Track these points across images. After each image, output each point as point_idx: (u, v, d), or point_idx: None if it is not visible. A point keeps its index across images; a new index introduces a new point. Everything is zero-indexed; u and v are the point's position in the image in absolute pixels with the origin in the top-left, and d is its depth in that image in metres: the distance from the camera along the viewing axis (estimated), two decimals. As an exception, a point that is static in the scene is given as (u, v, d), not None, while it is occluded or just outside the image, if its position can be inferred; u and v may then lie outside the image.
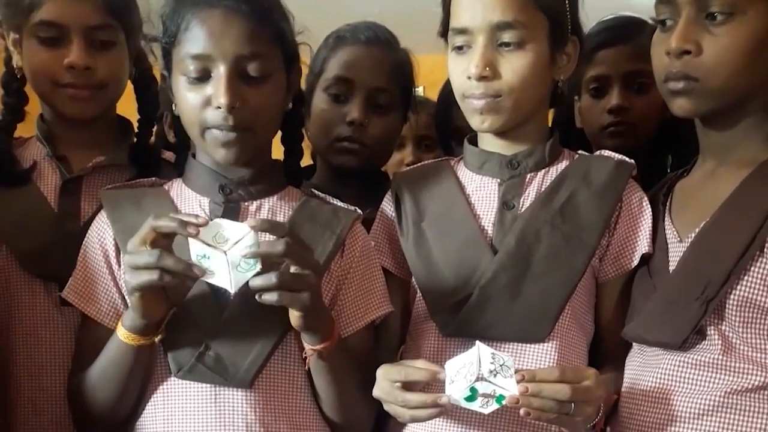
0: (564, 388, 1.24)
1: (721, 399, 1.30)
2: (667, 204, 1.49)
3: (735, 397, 1.30)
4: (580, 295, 1.46)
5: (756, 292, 1.29)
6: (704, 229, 1.37)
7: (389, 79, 1.84)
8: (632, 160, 1.52)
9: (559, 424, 1.29)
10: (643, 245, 1.46)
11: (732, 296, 1.30)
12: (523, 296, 1.42)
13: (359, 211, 1.50)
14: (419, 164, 1.71)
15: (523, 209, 1.48)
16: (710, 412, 1.31)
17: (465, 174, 1.56)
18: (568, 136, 1.63)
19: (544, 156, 1.52)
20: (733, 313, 1.31)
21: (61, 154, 1.64)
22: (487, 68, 1.42)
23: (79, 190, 1.62)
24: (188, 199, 1.47)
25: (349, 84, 1.82)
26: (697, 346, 1.34)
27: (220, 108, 1.35)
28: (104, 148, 1.66)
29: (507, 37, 1.42)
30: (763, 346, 1.30)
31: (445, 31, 1.51)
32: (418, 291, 1.51)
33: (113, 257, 1.44)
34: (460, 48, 1.47)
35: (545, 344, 1.42)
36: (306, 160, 1.77)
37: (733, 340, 1.32)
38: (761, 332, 1.31)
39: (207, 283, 1.30)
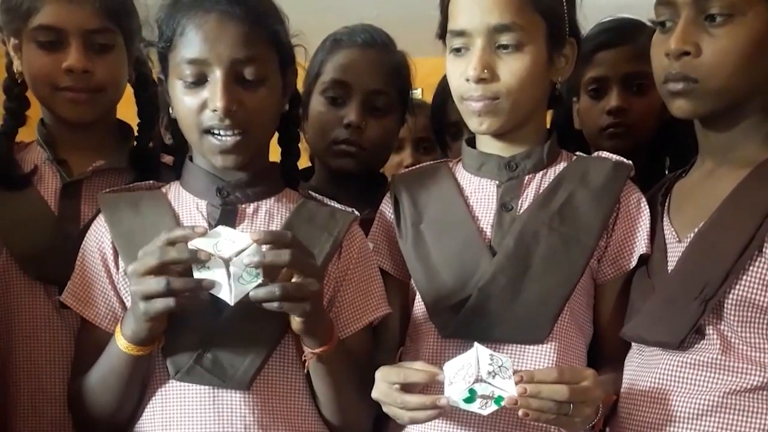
0: (562, 388, 1.24)
1: (720, 399, 1.30)
2: (666, 204, 1.49)
3: (734, 397, 1.30)
4: (579, 297, 1.46)
5: (754, 291, 1.29)
6: (703, 230, 1.37)
7: (386, 81, 1.83)
8: (630, 162, 1.52)
9: (557, 424, 1.28)
10: (641, 246, 1.46)
11: (730, 296, 1.30)
12: (522, 298, 1.42)
13: (356, 212, 1.50)
14: (418, 166, 1.70)
15: (521, 211, 1.48)
16: (709, 412, 1.30)
17: (463, 176, 1.56)
18: (567, 137, 1.63)
19: (542, 157, 1.51)
20: (732, 312, 1.31)
21: (61, 158, 1.64)
22: (485, 70, 1.42)
23: (79, 193, 1.62)
24: (185, 202, 1.47)
25: (346, 87, 1.81)
26: (696, 345, 1.33)
27: (216, 111, 1.34)
28: (104, 152, 1.66)
29: (505, 39, 1.42)
30: (761, 346, 1.30)
31: (443, 33, 1.51)
32: (417, 292, 1.51)
33: (111, 261, 1.43)
34: (458, 50, 1.47)
35: (544, 345, 1.42)
36: (304, 163, 1.77)
37: (732, 340, 1.32)
38: (760, 332, 1.30)
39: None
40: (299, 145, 1.60)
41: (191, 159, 1.49)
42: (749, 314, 1.30)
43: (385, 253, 1.57)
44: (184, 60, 1.36)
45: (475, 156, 1.55)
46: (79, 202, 1.61)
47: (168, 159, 1.69)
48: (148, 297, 1.23)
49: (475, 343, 1.29)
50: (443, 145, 2.16)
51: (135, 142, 1.72)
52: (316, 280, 1.28)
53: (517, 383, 1.23)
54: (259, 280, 1.23)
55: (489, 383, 1.23)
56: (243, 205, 1.45)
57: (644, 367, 1.40)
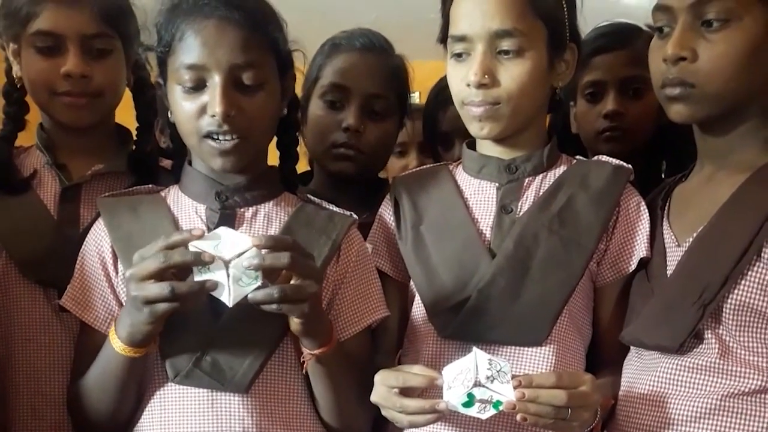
0: (560, 393, 1.24)
1: (718, 402, 1.30)
2: (666, 209, 1.49)
3: (732, 400, 1.29)
4: (578, 299, 1.46)
5: (753, 296, 1.29)
6: (702, 234, 1.37)
7: (385, 85, 1.83)
8: (630, 166, 1.52)
9: (555, 429, 1.28)
10: (640, 249, 1.46)
11: (729, 300, 1.30)
12: (521, 300, 1.42)
13: (355, 216, 1.50)
14: (418, 168, 1.70)
15: (521, 213, 1.47)
16: (707, 416, 1.30)
17: (463, 178, 1.56)
18: (564, 141, 1.63)
19: (542, 161, 1.51)
20: (730, 317, 1.30)
21: (60, 162, 1.64)
22: (486, 76, 1.42)
23: (79, 197, 1.62)
24: (184, 206, 1.46)
25: (344, 91, 1.81)
26: (695, 349, 1.33)
27: (215, 116, 1.34)
28: (103, 156, 1.65)
29: (506, 44, 1.42)
30: (759, 350, 1.30)
31: (444, 38, 1.51)
32: (417, 294, 1.51)
33: (110, 265, 1.43)
34: (459, 55, 1.47)
35: (543, 348, 1.42)
36: (303, 166, 1.77)
37: (730, 344, 1.32)
38: (758, 336, 1.30)
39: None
40: (298, 148, 1.59)
41: (190, 163, 1.49)
42: (748, 319, 1.30)
43: (384, 255, 1.57)
44: (183, 65, 1.36)
45: (476, 158, 1.55)
46: (79, 206, 1.61)
47: (166, 163, 1.69)
48: (151, 302, 1.23)
49: (474, 348, 1.29)
50: (435, 155, 2.16)
51: (133, 146, 1.72)
52: (315, 281, 1.27)
53: (515, 388, 1.23)
54: (258, 283, 1.23)
55: (487, 388, 1.23)
56: (242, 209, 1.45)
57: (643, 371, 1.39)
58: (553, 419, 1.25)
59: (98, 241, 1.45)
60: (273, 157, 1.54)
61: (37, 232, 1.57)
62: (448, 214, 1.52)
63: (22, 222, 1.58)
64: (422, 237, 1.51)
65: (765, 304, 1.29)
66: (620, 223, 1.48)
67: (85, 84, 1.58)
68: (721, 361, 1.31)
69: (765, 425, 1.28)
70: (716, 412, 1.30)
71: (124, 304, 1.40)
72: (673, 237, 1.43)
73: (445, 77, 1.53)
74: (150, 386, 1.39)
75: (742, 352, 1.31)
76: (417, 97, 2.04)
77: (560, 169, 1.53)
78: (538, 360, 1.42)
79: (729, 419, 1.29)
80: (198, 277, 1.23)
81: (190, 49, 1.36)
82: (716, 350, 1.32)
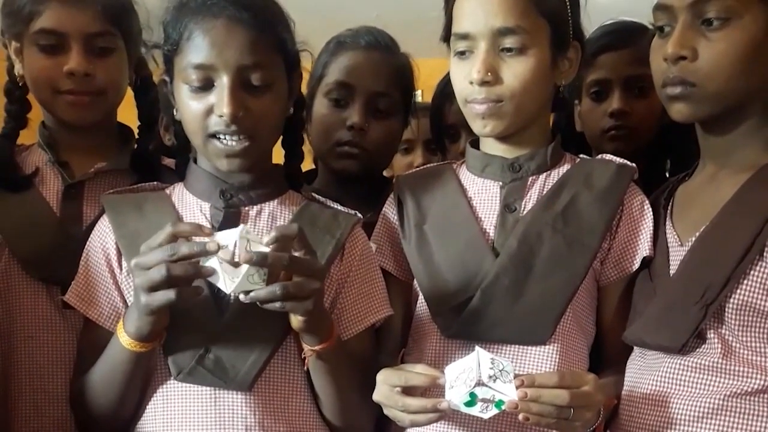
0: (563, 393, 1.23)
1: (721, 402, 1.29)
2: (669, 208, 1.48)
3: (734, 400, 1.29)
4: (582, 298, 1.46)
5: (755, 296, 1.28)
6: (704, 234, 1.36)
7: (389, 83, 1.83)
8: (634, 164, 1.51)
9: (558, 429, 1.27)
10: (644, 248, 1.46)
11: (731, 300, 1.29)
12: (525, 299, 1.41)
13: (359, 214, 1.50)
14: (421, 167, 1.70)
15: (524, 212, 1.47)
16: (710, 415, 1.30)
17: (467, 177, 1.56)
18: (568, 139, 1.63)
19: (545, 159, 1.51)
20: (733, 317, 1.30)
21: (63, 159, 1.64)
22: (489, 73, 1.42)
23: (81, 195, 1.62)
24: (189, 204, 1.46)
25: (349, 89, 1.81)
26: (697, 349, 1.33)
27: (223, 117, 1.34)
28: (105, 154, 1.66)
29: (509, 42, 1.42)
30: (762, 350, 1.29)
31: (447, 36, 1.50)
32: (420, 293, 1.50)
33: (115, 261, 1.43)
34: (462, 53, 1.47)
35: (546, 347, 1.41)
36: (308, 165, 1.76)
37: (733, 344, 1.31)
38: (761, 336, 1.29)
39: (208, 286, 1.31)
40: (303, 147, 1.60)
41: (195, 161, 1.49)
42: (750, 318, 1.29)
43: (388, 254, 1.56)
44: (191, 65, 1.36)
45: (479, 157, 1.54)
46: (82, 204, 1.61)
47: (169, 161, 1.69)
48: (151, 288, 1.23)
49: (477, 347, 1.28)
50: (442, 147, 2.16)
51: (136, 145, 1.72)
52: (318, 278, 1.27)
53: (517, 387, 1.23)
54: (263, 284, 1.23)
55: (490, 387, 1.23)
56: (246, 208, 1.45)
57: (646, 370, 1.39)
58: (555, 419, 1.24)
59: (103, 238, 1.45)
60: (278, 156, 1.54)
61: (39, 229, 1.57)
62: (452, 213, 1.51)
63: (25, 220, 1.58)
64: (425, 236, 1.51)
65: (767, 304, 1.28)
66: (624, 222, 1.47)
67: (87, 82, 1.58)
68: (724, 361, 1.30)
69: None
70: (719, 411, 1.29)
71: (127, 301, 1.41)
72: (675, 236, 1.43)
73: (453, 71, 1.52)
74: (153, 384, 1.39)
75: (745, 351, 1.30)
76: (420, 95, 2.04)
77: (564, 168, 1.52)
78: (541, 359, 1.41)
79: (732, 419, 1.29)
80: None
81: (198, 49, 1.35)
82: (719, 350, 1.31)
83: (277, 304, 1.24)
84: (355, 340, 1.45)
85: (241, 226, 1.27)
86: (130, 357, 1.32)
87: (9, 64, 1.65)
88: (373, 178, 1.88)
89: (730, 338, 1.31)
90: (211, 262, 1.22)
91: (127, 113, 1.75)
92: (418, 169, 1.69)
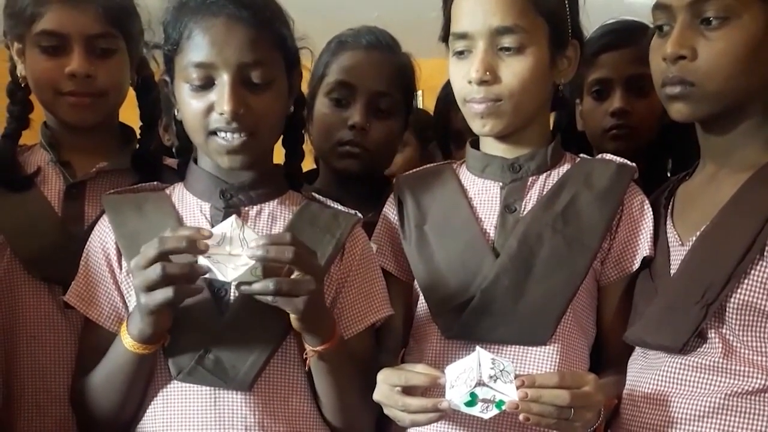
0: (563, 393, 1.23)
1: (722, 401, 1.29)
2: (669, 208, 1.48)
3: (735, 399, 1.29)
4: (582, 298, 1.45)
5: (756, 295, 1.28)
6: (704, 233, 1.36)
7: (391, 83, 1.82)
8: (634, 164, 1.51)
9: (558, 429, 1.27)
10: (644, 248, 1.45)
11: (732, 300, 1.29)
12: (525, 299, 1.41)
13: (359, 214, 1.49)
14: (422, 167, 1.69)
15: (524, 212, 1.47)
16: (710, 415, 1.29)
17: (467, 177, 1.55)
18: (569, 139, 1.62)
19: (545, 159, 1.50)
20: (734, 316, 1.29)
21: (64, 159, 1.64)
22: (488, 72, 1.42)
23: (83, 194, 1.61)
24: (189, 204, 1.46)
25: (350, 88, 1.80)
26: (698, 349, 1.32)
27: (223, 114, 1.34)
28: (107, 154, 1.65)
29: (507, 41, 1.42)
30: (763, 349, 1.29)
31: (446, 36, 1.50)
32: (420, 294, 1.50)
33: (115, 261, 1.43)
34: (461, 53, 1.46)
35: (547, 347, 1.41)
36: (309, 164, 1.76)
37: (734, 344, 1.31)
38: (761, 335, 1.29)
39: (208, 287, 1.32)
40: (304, 146, 1.59)
41: (195, 161, 1.48)
42: (751, 318, 1.29)
43: (389, 254, 1.56)
44: (192, 63, 1.36)
45: (479, 157, 1.54)
46: (83, 204, 1.61)
47: (170, 161, 1.69)
48: (149, 288, 1.23)
49: (477, 347, 1.28)
50: (447, 152, 2.15)
51: (137, 145, 1.72)
52: (315, 278, 1.27)
53: (518, 387, 1.22)
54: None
55: (490, 387, 1.23)
56: (246, 208, 1.45)
57: (647, 370, 1.38)
58: (556, 419, 1.24)
59: (103, 238, 1.45)
60: (279, 155, 1.54)
61: (41, 229, 1.57)
62: (452, 213, 1.51)
63: (27, 219, 1.57)
64: (426, 236, 1.51)
65: (768, 304, 1.28)
66: (624, 222, 1.47)
67: (89, 84, 1.58)
68: (725, 361, 1.30)
69: (768, 424, 1.28)
70: (720, 411, 1.29)
71: (127, 301, 1.41)
72: (676, 236, 1.42)
73: (455, 76, 1.52)
74: (153, 384, 1.39)
75: (746, 351, 1.30)
76: (420, 96, 2.03)
77: (564, 168, 1.52)
78: (542, 359, 1.41)
79: (733, 418, 1.29)
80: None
81: (198, 48, 1.35)
82: (720, 350, 1.31)
83: (269, 298, 1.24)
84: (355, 340, 1.44)
85: (233, 216, 1.28)
86: (132, 359, 1.32)
87: (11, 64, 1.65)
88: (374, 178, 1.87)
89: (731, 338, 1.31)
90: (207, 260, 1.23)
91: (129, 113, 1.74)
92: (418, 169, 1.68)
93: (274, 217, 1.46)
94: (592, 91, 1.90)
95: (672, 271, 1.39)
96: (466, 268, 1.45)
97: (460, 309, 1.43)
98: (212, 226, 1.38)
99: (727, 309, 1.30)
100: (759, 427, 1.27)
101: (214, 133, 1.37)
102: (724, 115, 1.39)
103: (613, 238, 1.46)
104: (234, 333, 1.36)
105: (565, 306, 1.42)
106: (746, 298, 1.28)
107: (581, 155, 1.56)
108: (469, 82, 1.44)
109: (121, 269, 1.43)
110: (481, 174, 1.53)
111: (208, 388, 1.37)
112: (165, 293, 1.23)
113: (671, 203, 1.49)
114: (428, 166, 1.67)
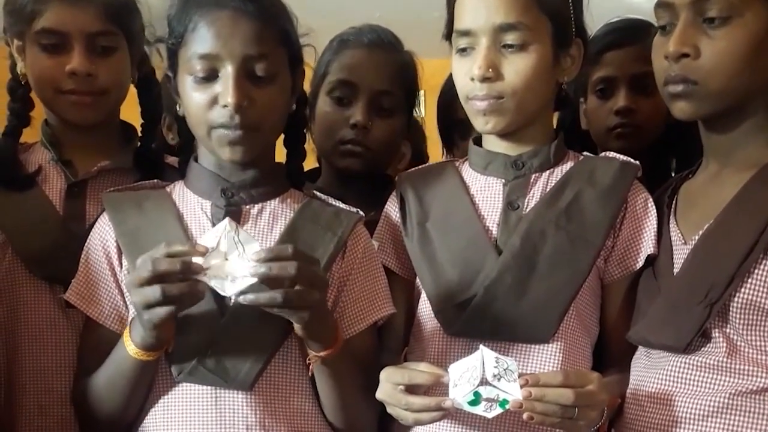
0: (567, 392, 1.22)
1: (726, 401, 1.28)
2: (672, 206, 1.47)
3: (739, 398, 1.28)
4: (585, 296, 1.44)
5: (760, 294, 1.27)
6: (708, 232, 1.35)
7: (393, 81, 1.81)
8: (637, 162, 1.50)
9: (562, 428, 1.26)
10: (648, 246, 1.44)
11: (736, 299, 1.28)
12: (528, 297, 1.40)
13: (361, 212, 1.48)
14: (424, 165, 1.69)
15: (527, 210, 1.46)
16: (714, 414, 1.29)
17: (470, 174, 1.54)
18: (573, 138, 1.62)
19: (548, 156, 1.50)
20: (737, 315, 1.28)
21: (66, 158, 1.63)
22: (490, 69, 1.41)
23: (84, 193, 1.61)
24: (190, 201, 1.45)
25: (352, 87, 1.79)
26: (702, 348, 1.31)
27: (227, 107, 1.33)
28: (108, 153, 1.64)
29: (510, 38, 1.41)
30: (767, 348, 1.28)
31: (449, 34, 1.49)
32: (423, 291, 1.49)
33: (115, 259, 1.42)
34: (463, 50, 1.46)
35: (549, 345, 1.40)
36: (311, 163, 1.75)
37: (738, 343, 1.30)
38: (765, 334, 1.28)
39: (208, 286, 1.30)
40: (306, 145, 1.58)
41: (196, 159, 1.48)
42: (755, 317, 1.28)
43: (390, 252, 1.55)
44: (196, 55, 1.35)
45: (482, 154, 1.53)
46: (85, 202, 1.60)
47: (172, 160, 1.68)
48: (148, 306, 1.22)
49: (481, 346, 1.27)
50: (450, 144, 2.14)
51: (139, 143, 1.71)
52: (320, 290, 1.27)
53: (522, 386, 1.22)
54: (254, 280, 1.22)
55: (494, 386, 1.22)
56: (247, 206, 1.44)
57: (650, 369, 1.38)
58: (559, 418, 1.23)
59: (103, 236, 1.44)
60: (280, 154, 1.53)
61: (43, 228, 1.56)
62: (454, 210, 1.50)
63: (28, 218, 1.57)
64: (428, 234, 1.50)
65: (772, 303, 1.27)
66: (627, 220, 1.46)
67: (90, 82, 1.57)
68: (729, 360, 1.29)
69: (772, 424, 1.27)
70: (724, 410, 1.28)
71: (128, 299, 1.40)
72: (679, 235, 1.41)
73: (457, 68, 1.51)
74: (154, 384, 1.38)
75: (750, 350, 1.29)
76: (422, 95, 2.02)
77: (567, 165, 1.51)
78: (544, 357, 1.40)
79: (737, 418, 1.28)
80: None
81: (203, 40, 1.35)
82: (724, 349, 1.30)
83: (275, 309, 1.24)
84: (357, 339, 1.43)
85: (226, 220, 1.26)
86: (136, 365, 1.32)
87: (12, 61, 1.64)
88: (376, 177, 1.86)
89: (735, 337, 1.30)
90: (205, 277, 1.22)
91: (131, 111, 1.74)
92: (420, 166, 1.67)
93: (275, 215, 1.45)
94: (596, 89, 1.90)
95: (675, 270, 1.38)
96: (468, 266, 1.44)
97: (462, 307, 1.42)
98: (213, 225, 1.39)
99: (731, 308, 1.29)
100: (763, 427, 1.27)
101: (216, 127, 1.36)
102: (727, 113, 1.38)
103: (617, 235, 1.46)
104: (235, 332, 1.35)
105: (568, 304, 1.41)
106: (750, 297, 1.27)
107: (585, 153, 1.55)
108: (472, 79, 1.43)
109: (121, 267, 1.42)
110: (484, 171, 1.52)
111: (209, 387, 1.36)
112: (167, 309, 1.22)
113: (674, 202, 1.48)
114: (430, 163, 1.67)
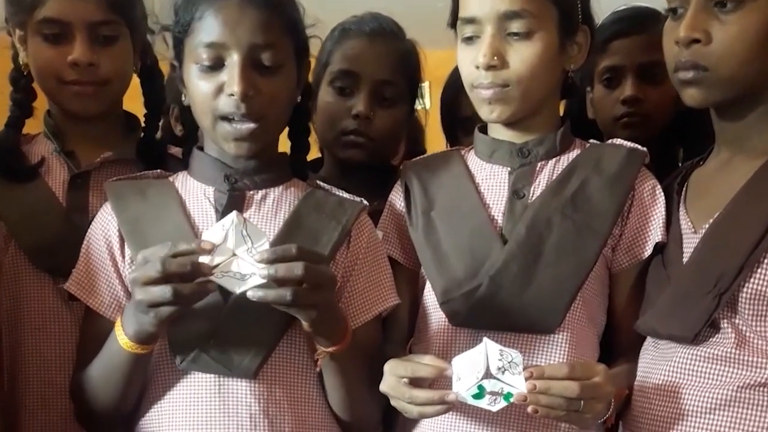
0: (572, 385, 1.19)
1: (734, 393, 1.25)
2: (682, 194, 1.44)
3: (747, 391, 1.25)
4: (592, 286, 1.41)
5: None
6: (717, 221, 1.31)
7: (395, 71, 1.77)
8: (644, 149, 1.46)
9: (568, 421, 1.24)
10: (656, 234, 1.41)
11: (745, 289, 1.25)
12: (534, 286, 1.37)
13: (365, 201, 1.46)
14: (429, 154, 1.66)
15: (533, 198, 1.43)
16: (723, 407, 1.26)
17: (475, 163, 1.51)
18: (580, 127, 1.59)
19: (555, 144, 1.46)
20: (747, 306, 1.25)
21: (69, 149, 1.60)
22: (495, 57, 1.38)
23: (87, 184, 1.58)
24: (193, 189, 1.43)
25: (354, 77, 1.75)
26: (711, 339, 1.28)
27: (232, 96, 1.31)
28: (112, 144, 1.62)
29: (515, 26, 1.38)
30: (776, 340, 1.24)
31: (454, 22, 1.46)
32: (428, 281, 1.46)
33: (117, 249, 1.39)
34: (469, 38, 1.43)
35: (555, 335, 1.38)
36: (314, 154, 1.72)
37: (747, 334, 1.27)
38: (775, 326, 1.24)
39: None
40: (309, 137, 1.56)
41: (200, 149, 1.46)
42: (764, 308, 1.25)
43: (395, 242, 1.52)
44: (202, 43, 1.33)
45: (488, 142, 1.50)
46: (88, 194, 1.57)
47: (176, 150, 1.65)
48: (154, 305, 1.20)
49: (485, 338, 1.24)
50: (454, 140, 2.11)
51: (142, 134, 1.68)
52: (328, 288, 1.25)
53: (526, 379, 1.19)
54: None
55: (498, 379, 1.20)
56: (251, 192, 1.42)
57: (658, 360, 1.34)
58: (565, 411, 1.21)
59: (105, 225, 1.41)
60: (284, 147, 1.51)
61: (46, 219, 1.54)
62: (459, 199, 1.47)
63: (31, 210, 1.55)
64: (433, 223, 1.47)
65: (782, 293, 1.23)
66: (635, 207, 1.42)
67: (92, 72, 1.54)
68: (738, 351, 1.26)
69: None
70: (732, 403, 1.25)
71: (130, 289, 1.36)
72: (689, 223, 1.38)
73: (463, 62, 1.48)
74: (157, 372, 1.36)
75: (759, 342, 1.26)
76: (427, 87, 2.00)
77: (574, 153, 1.47)
78: (550, 347, 1.38)
79: (745, 410, 1.25)
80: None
81: (209, 28, 1.33)
82: (732, 340, 1.27)
83: (283, 307, 1.21)
84: (361, 330, 1.40)
85: (233, 213, 1.23)
86: (129, 357, 1.29)
87: (14, 52, 1.61)
88: (379, 167, 1.83)
89: (744, 328, 1.27)
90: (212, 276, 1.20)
91: (134, 102, 1.71)
92: (425, 155, 1.64)
93: (278, 202, 1.42)
94: (603, 78, 1.86)
95: (684, 259, 1.35)
96: (473, 255, 1.41)
97: (467, 297, 1.39)
98: (216, 211, 1.38)
99: (740, 298, 1.25)
100: (771, 420, 1.23)
101: (222, 118, 1.34)
102: (739, 100, 1.35)
103: (624, 223, 1.42)
104: (239, 320, 1.32)
105: (574, 293, 1.38)
106: (759, 287, 1.24)
107: (591, 140, 1.52)
108: (477, 68, 1.40)
109: (123, 256, 1.39)
110: (489, 159, 1.49)
111: (212, 376, 1.33)
112: (174, 308, 1.20)
113: (684, 189, 1.44)
114: (436, 152, 1.64)
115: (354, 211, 1.43)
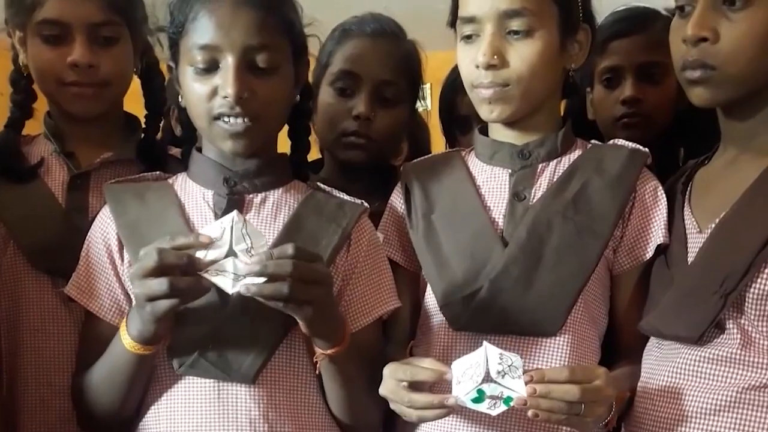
0: (573, 388, 1.16)
1: (739, 395, 1.22)
2: (687, 193, 1.40)
3: (753, 393, 1.22)
4: (593, 288, 1.38)
5: None
6: (724, 220, 1.28)
7: (396, 71, 1.74)
8: (646, 149, 1.43)
9: (568, 425, 1.21)
10: (658, 236, 1.38)
11: (752, 290, 1.21)
12: (535, 289, 1.34)
13: (365, 204, 1.42)
14: (429, 155, 1.62)
15: (534, 200, 1.40)
16: (727, 409, 1.23)
17: (476, 165, 1.48)
18: (580, 127, 1.56)
19: (556, 145, 1.43)
20: (753, 306, 1.22)
21: (68, 150, 1.57)
22: (495, 56, 1.35)
23: (87, 185, 1.55)
24: (192, 192, 1.40)
25: (355, 78, 1.72)
26: (716, 340, 1.25)
27: (227, 98, 1.28)
28: (111, 144, 1.59)
29: (515, 25, 1.35)
30: (782, 342, 1.20)
31: (454, 21, 1.43)
32: (428, 284, 1.43)
33: (116, 252, 1.36)
34: (468, 37, 1.40)
35: (557, 338, 1.35)
36: (314, 155, 1.69)
37: (753, 334, 1.23)
38: (781, 327, 1.20)
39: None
40: (309, 137, 1.53)
41: (199, 150, 1.42)
42: None
43: (396, 244, 1.49)
44: (196, 46, 1.30)
45: (488, 144, 1.47)
46: (88, 195, 1.55)
47: (176, 151, 1.62)
48: (152, 299, 1.17)
49: (485, 342, 1.21)
50: (452, 140, 2.08)
51: (142, 134, 1.66)
52: (324, 285, 1.22)
53: (526, 383, 1.16)
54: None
55: (498, 383, 1.17)
56: (250, 195, 1.38)
57: (662, 362, 1.31)
58: (566, 415, 1.18)
59: (104, 228, 1.38)
60: (284, 147, 1.47)
61: (45, 220, 1.52)
62: (460, 202, 1.44)
63: (30, 211, 1.52)
64: (433, 226, 1.43)
65: (788, 294, 1.19)
66: (636, 209, 1.39)
67: (92, 73, 1.52)
68: (743, 352, 1.23)
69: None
70: (737, 404, 1.22)
71: (129, 293, 1.34)
72: (694, 222, 1.34)
73: (462, 62, 1.45)
74: (156, 377, 1.33)
75: (765, 342, 1.23)
76: (428, 88, 1.98)
77: (575, 154, 1.44)
78: (551, 350, 1.35)
79: (750, 412, 1.22)
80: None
81: (203, 30, 1.30)
82: (738, 341, 1.23)
83: (280, 304, 1.18)
84: (362, 333, 1.37)
85: (234, 212, 1.20)
86: (133, 359, 1.26)
87: (14, 53, 1.58)
88: (380, 168, 1.80)
89: (750, 328, 1.23)
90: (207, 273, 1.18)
91: (134, 103, 1.69)
92: (425, 157, 1.61)
93: (278, 205, 1.39)
94: (602, 79, 1.82)
95: (689, 259, 1.31)
96: (474, 258, 1.38)
97: (468, 300, 1.36)
98: (215, 214, 1.35)
99: (747, 299, 1.22)
100: (775, 422, 1.19)
101: (217, 118, 1.31)
102: (746, 99, 1.31)
103: (626, 225, 1.39)
104: (237, 324, 1.29)
105: (575, 296, 1.35)
106: (766, 287, 1.21)
107: (593, 141, 1.48)
108: (477, 67, 1.37)
109: (122, 260, 1.36)
110: (490, 161, 1.46)
111: (211, 381, 1.31)
112: (171, 302, 1.17)
113: (689, 189, 1.41)
114: (436, 153, 1.61)
115: (354, 214, 1.40)
